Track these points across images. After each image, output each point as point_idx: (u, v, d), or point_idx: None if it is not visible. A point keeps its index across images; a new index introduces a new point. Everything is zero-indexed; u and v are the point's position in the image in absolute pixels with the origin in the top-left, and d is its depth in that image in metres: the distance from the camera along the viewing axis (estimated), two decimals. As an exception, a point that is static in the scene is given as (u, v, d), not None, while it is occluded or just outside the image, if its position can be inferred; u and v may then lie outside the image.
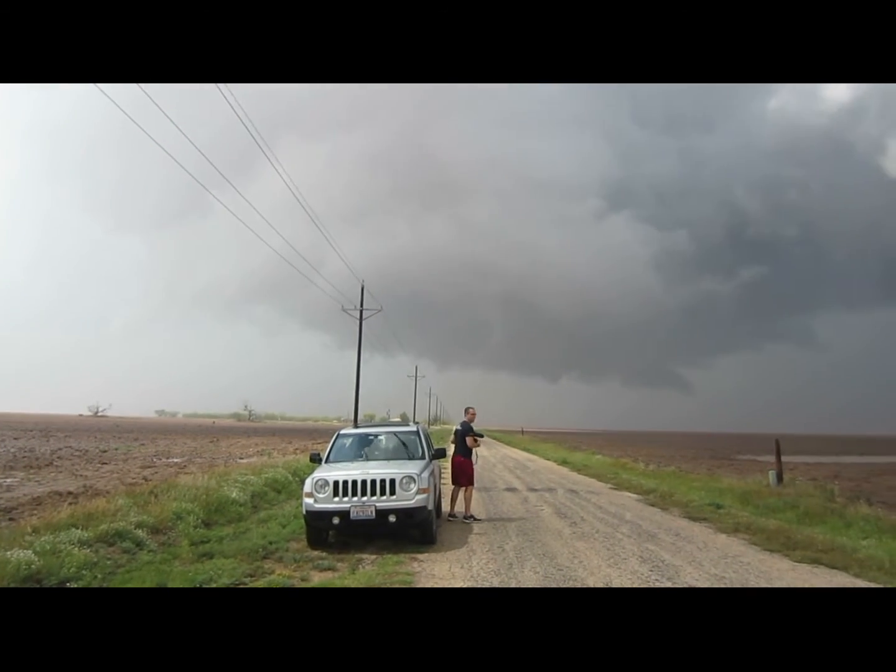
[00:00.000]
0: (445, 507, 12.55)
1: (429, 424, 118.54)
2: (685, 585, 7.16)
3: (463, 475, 12.39)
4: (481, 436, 13.03)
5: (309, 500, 9.41)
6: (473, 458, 12.70)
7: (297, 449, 32.60)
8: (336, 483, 9.37)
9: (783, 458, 19.87)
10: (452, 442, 13.02)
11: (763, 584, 7.25)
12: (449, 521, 11.93)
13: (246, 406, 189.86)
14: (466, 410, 13.16)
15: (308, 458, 12.42)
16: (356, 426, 12.53)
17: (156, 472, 20.23)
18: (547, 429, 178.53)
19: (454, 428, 12.93)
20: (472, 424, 12.87)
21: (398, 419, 19.25)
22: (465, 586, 7.27)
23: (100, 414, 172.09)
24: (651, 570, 7.87)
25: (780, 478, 17.23)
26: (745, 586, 7.15)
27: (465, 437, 12.56)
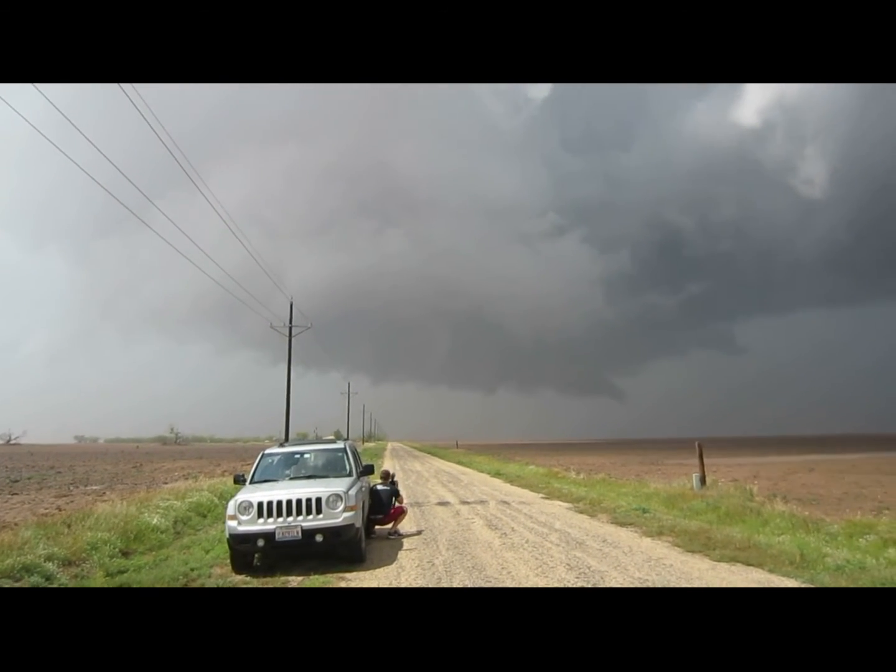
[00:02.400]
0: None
1: (363, 441, 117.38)
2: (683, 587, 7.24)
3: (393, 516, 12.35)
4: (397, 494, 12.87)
5: (232, 523, 9.13)
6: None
7: (224, 471, 31.64)
8: (260, 504, 9.14)
9: (707, 461, 20.59)
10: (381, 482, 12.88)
11: (684, 585, 7.43)
12: (372, 537, 11.80)
13: (172, 429, 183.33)
14: (387, 476, 13.09)
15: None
16: (282, 445, 12.23)
17: (71, 502, 19.22)
18: (483, 441, 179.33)
19: (376, 484, 12.81)
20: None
21: (332, 437, 18.90)
22: (465, 586, 7.21)
23: (13, 441, 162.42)
24: (577, 578, 7.97)
25: (703, 480, 17.80)
26: (744, 587, 7.29)
27: (391, 498, 12.47)
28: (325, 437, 14.48)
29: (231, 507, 9.30)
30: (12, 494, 23.21)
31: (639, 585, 7.47)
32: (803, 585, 7.32)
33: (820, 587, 7.23)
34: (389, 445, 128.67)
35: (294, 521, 9.03)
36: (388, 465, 43.26)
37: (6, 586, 6.57)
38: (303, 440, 15.05)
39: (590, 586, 7.37)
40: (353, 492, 9.59)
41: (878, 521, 11.01)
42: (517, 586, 7.32)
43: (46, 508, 17.19)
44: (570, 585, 7.56)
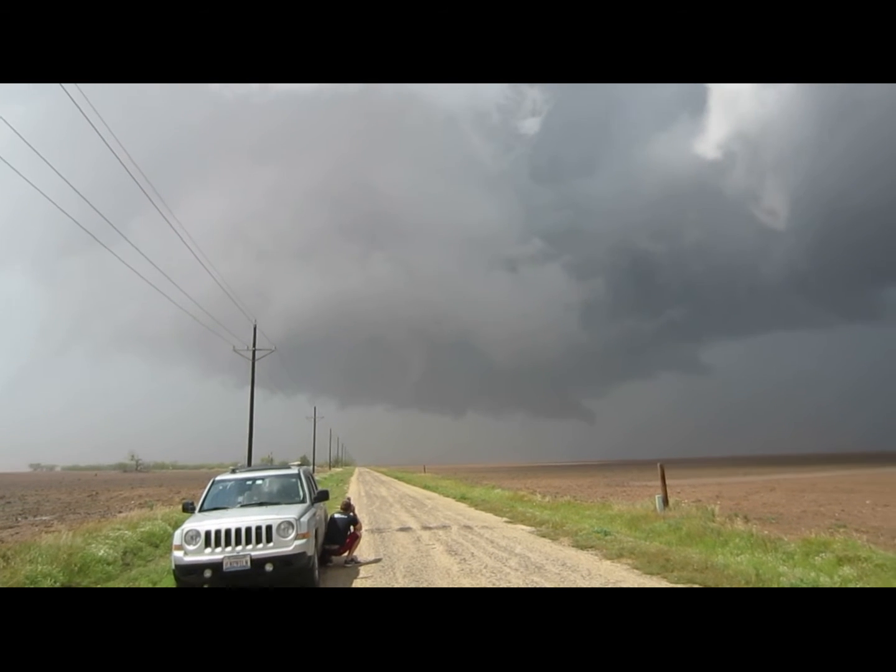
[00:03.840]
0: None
1: (330, 467, 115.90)
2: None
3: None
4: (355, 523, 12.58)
5: (178, 553, 8.79)
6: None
7: (183, 498, 30.79)
8: (208, 533, 8.81)
9: (672, 482, 20.68)
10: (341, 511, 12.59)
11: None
12: (328, 566, 11.51)
13: (133, 455, 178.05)
14: (348, 507, 12.81)
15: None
16: (234, 471, 11.89)
17: (17, 533, 18.47)
18: (452, 465, 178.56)
19: (334, 514, 12.54)
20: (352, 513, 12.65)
21: (298, 461, 18.50)
22: (464, 586, 7.05)
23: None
24: (533, 603, 7.79)
25: (665, 501, 17.78)
26: (744, 587, 7.18)
27: (348, 526, 12.18)
28: (291, 463, 14.13)
29: (177, 537, 8.96)
30: (-45, 526, 22.25)
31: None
32: (803, 586, 7.28)
33: (820, 587, 7.20)
34: (357, 471, 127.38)
35: (243, 550, 8.71)
36: (353, 489, 42.70)
37: (6, 586, 6.46)
38: (256, 466, 14.69)
39: (590, 587, 7.25)
40: (305, 519, 9.32)
41: (833, 538, 11.08)
42: (517, 586, 7.17)
43: (-12, 541, 16.46)
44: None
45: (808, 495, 28.83)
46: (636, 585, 8.66)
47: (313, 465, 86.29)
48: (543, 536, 14.67)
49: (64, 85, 13.25)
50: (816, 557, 9.45)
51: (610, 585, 8.71)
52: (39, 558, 10.80)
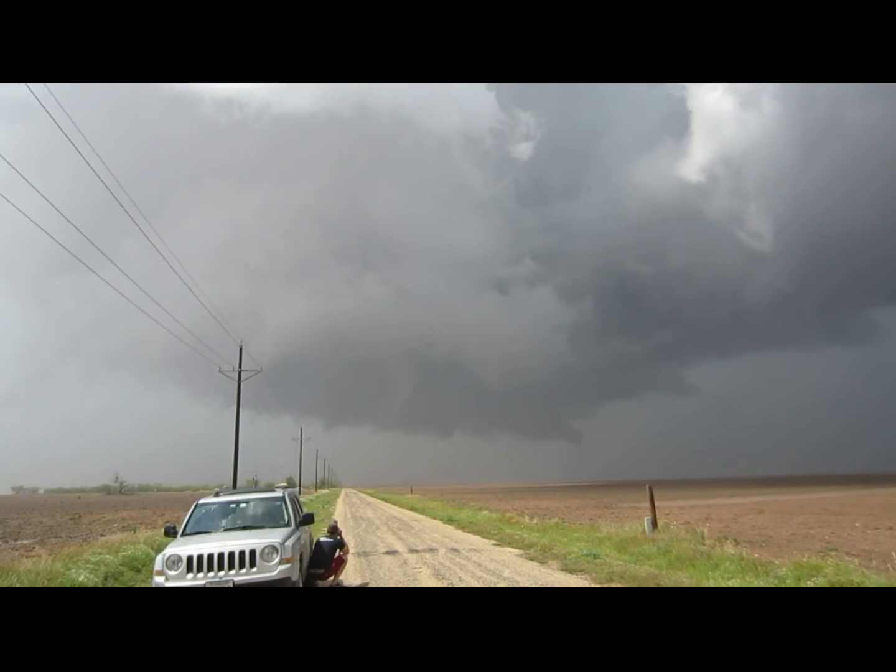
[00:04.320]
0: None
1: (316, 488, 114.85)
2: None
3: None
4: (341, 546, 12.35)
5: (159, 579, 8.57)
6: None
7: (167, 521, 30.37)
8: (190, 558, 8.60)
9: (661, 504, 20.58)
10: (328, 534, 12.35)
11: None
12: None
13: (117, 477, 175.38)
14: (335, 530, 12.57)
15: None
16: (217, 494, 11.66)
17: (-5, 558, 18.04)
18: (439, 486, 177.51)
19: (320, 537, 12.30)
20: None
21: (284, 483, 18.28)
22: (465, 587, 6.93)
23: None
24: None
25: (654, 524, 17.65)
26: (744, 587, 7.07)
27: (334, 550, 11.95)
28: (277, 484, 13.89)
29: (158, 562, 8.75)
30: (-69, 551, 21.71)
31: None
32: (803, 586, 7.19)
33: (820, 587, 7.12)
34: (343, 492, 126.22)
35: (226, 575, 8.51)
36: (340, 511, 42.23)
37: (6, 586, 6.44)
38: (241, 489, 14.45)
39: (589, 587, 7.15)
40: (289, 543, 9.13)
41: (825, 563, 10.97)
42: (517, 586, 7.06)
43: (-35, 566, 16.04)
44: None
45: (797, 517, 28.80)
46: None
47: (299, 486, 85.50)
48: (532, 559, 14.49)
49: (60, 104, 13.20)
50: (809, 581, 9.34)
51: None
52: (18, 584, 10.54)
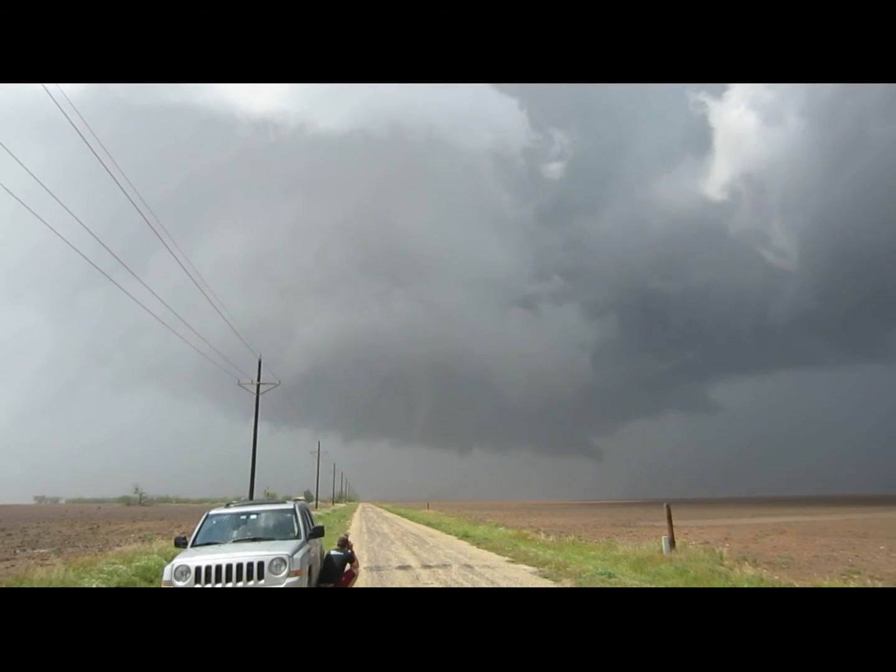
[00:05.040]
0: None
1: (333, 502, 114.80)
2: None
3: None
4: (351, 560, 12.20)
5: (167, 590, 8.52)
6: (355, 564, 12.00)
7: (184, 532, 30.43)
8: (198, 569, 8.59)
9: (679, 523, 20.25)
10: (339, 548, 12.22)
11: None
12: None
13: (136, 489, 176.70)
14: (344, 543, 12.43)
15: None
16: (228, 506, 11.64)
17: (12, 566, 18.16)
18: (456, 502, 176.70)
19: (330, 551, 12.17)
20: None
21: (301, 497, 18.28)
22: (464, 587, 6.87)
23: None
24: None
25: (672, 543, 17.34)
26: (744, 587, 6.94)
27: (344, 563, 11.82)
28: (294, 498, 13.86)
29: (167, 573, 8.75)
30: (-49, 558, 21.92)
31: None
32: (803, 585, 7.02)
33: (820, 587, 6.97)
34: (360, 506, 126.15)
35: (234, 587, 8.45)
36: (355, 525, 42.13)
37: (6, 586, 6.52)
38: (254, 501, 14.42)
39: (590, 587, 7.05)
40: (298, 556, 9.06)
41: (847, 586, 10.67)
42: (517, 586, 6.97)
43: (-19, 574, 16.16)
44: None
45: (820, 539, 28.16)
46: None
47: (316, 500, 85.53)
48: (546, 577, 14.27)
49: (90, 129, 13.43)
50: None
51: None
52: (28, 592, 10.56)
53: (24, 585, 11.15)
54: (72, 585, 11.59)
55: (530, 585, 12.90)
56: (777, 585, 10.88)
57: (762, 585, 11.01)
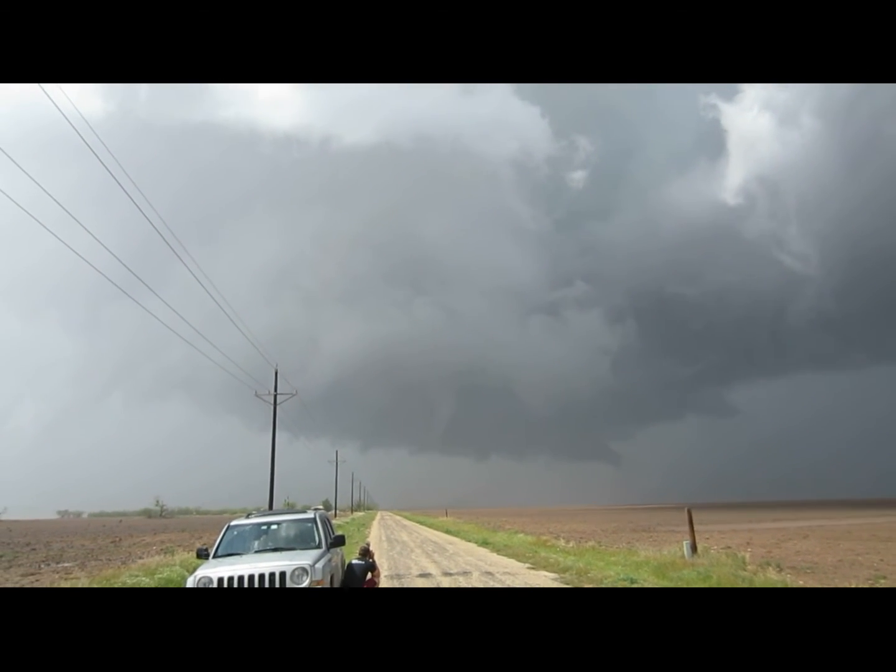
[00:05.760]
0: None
1: (352, 511, 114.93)
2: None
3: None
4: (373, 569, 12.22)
5: (190, 601, 8.60)
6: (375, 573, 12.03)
7: (205, 544, 30.62)
8: (221, 580, 8.66)
9: (701, 527, 20.10)
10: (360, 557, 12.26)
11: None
12: None
13: (157, 501, 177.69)
14: (366, 552, 12.45)
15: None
16: (249, 516, 11.72)
17: (37, 580, 18.35)
18: (475, 509, 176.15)
19: (351, 560, 12.20)
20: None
21: (320, 506, 18.35)
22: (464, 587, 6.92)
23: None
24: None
25: (693, 548, 17.20)
26: (744, 587, 6.91)
27: (366, 572, 11.85)
28: (314, 507, 13.92)
29: (189, 583, 8.82)
30: (-23, 573, 22.20)
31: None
32: (803, 586, 6.97)
33: (820, 587, 6.91)
34: (379, 514, 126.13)
35: (235, 588, 8.51)
36: (374, 534, 42.14)
37: (6, 586, 6.62)
38: (274, 511, 14.50)
39: (589, 587, 7.04)
40: (319, 565, 9.11)
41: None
42: (517, 586, 6.99)
43: (8, 588, 16.38)
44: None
45: (844, 543, 27.78)
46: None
47: (335, 509, 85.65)
48: (567, 584, 14.18)
49: (105, 146, 13.67)
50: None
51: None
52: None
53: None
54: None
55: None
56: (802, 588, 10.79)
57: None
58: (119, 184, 15.18)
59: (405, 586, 6.99)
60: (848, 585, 11.06)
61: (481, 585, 14.24)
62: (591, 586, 7.14)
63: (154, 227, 17.70)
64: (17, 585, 16.52)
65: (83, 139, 13.41)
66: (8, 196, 12.79)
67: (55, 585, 13.63)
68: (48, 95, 12.32)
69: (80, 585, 12.49)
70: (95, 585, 12.71)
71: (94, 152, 13.98)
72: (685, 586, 12.61)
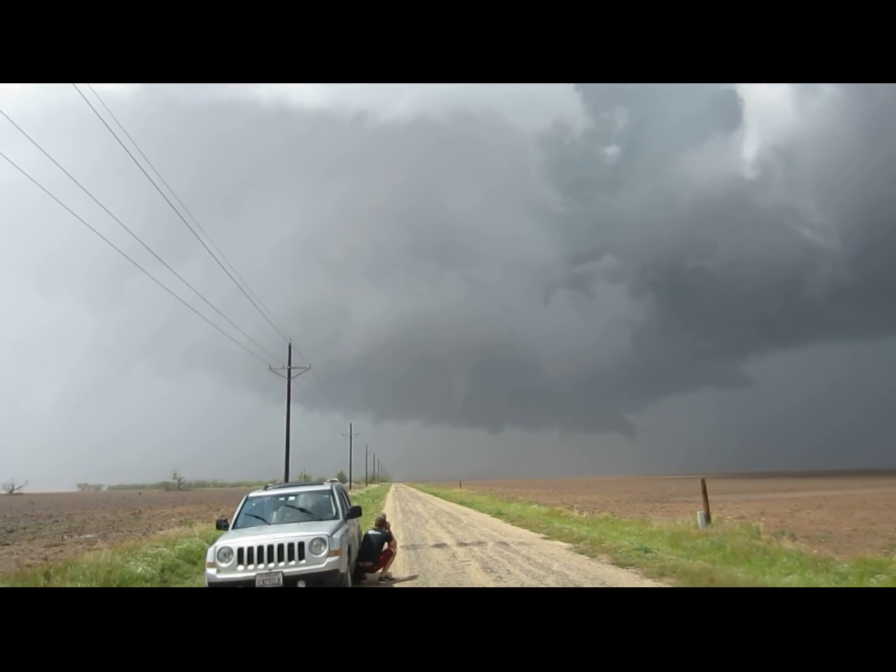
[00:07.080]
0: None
1: (366, 483, 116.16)
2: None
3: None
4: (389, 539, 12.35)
5: (211, 571, 8.78)
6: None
7: (223, 515, 31.08)
8: (241, 550, 8.79)
9: (714, 498, 20.12)
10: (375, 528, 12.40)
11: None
12: (363, 583, 11.35)
13: (175, 474, 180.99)
14: (382, 523, 12.58)
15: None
16: (267, 488, 11.87)
17: (61, 551, 18.73)
18: (488, 480, 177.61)
19: (368, 531, 12.35)
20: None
21: (335, 478, 18.57)
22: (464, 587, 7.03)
23: (15, 492, 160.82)
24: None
25: (707, 518, 17.25)
26: (744, 587, 6.98)
27: (382, 543, 11.98)
28: (327, 479, 14.09)
29: (210, 554, 8.97)
30: (3, 545, 22.71)
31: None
32: (843, 559, 7.03)
33: (820, 587, 6.95)
34: (393, 487, 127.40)
35: (276, 567, 8.67)
36: (389, 505, 42.60)
37: (6, 586, 6.71)
38: (291, 483, 14.66)
39: (590, 587, 7.12)
40: (337, 535, 9.23)
41: (889, 559, 10.54)
42: (517, 586, 7.07)
43: (33, 559, 16.74)
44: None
45: (858, 513, 27.74)
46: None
47: (350, 481, 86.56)
48: (581, 553, 14.34)
49: (121, 126, 13.64)
50: (872, 579, 8.97)
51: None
52: (80, 576, 10.93)
53: (74, 569, 11.48)
54: (118, 569, 11.89)
55: (567, 561, 13.01)
56: (818, 559, 10.81)
57: (802, 559, 10.95)
58: (139, 166, 15.19)
59: (405, 587, 7.00)
60: (862, 554, 11.05)
61: (496, 555, 14.42)
62: (590, 586, 7.16)
63: (174, 209, 17.75)
64: (39, 560, 16.89)
65: (103, 120, 13.40)
66: (31, 179, 12.86)
67: (79, 556, 13.87)
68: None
69: (103, 555, 12.68)
70: (118, 556, 12.91)
71: (113, 133, 13.97)
72: (701, 557, 12.69)
